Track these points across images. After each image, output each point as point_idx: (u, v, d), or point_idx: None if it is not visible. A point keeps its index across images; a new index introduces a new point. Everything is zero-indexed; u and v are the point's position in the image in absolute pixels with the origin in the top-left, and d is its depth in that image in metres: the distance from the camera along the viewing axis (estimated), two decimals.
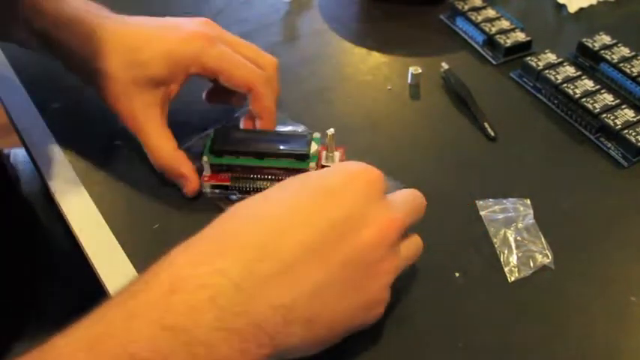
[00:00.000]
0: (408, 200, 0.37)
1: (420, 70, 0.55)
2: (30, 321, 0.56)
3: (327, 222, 0.33)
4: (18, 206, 0.63)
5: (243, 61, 0.45)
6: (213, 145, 0.45)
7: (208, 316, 0.29)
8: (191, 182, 0.45)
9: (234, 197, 0.45)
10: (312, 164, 0.44)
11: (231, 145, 0.45)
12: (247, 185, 0.45)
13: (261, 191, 0.43)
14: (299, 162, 0.44)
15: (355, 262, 0.33)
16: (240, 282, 0.30)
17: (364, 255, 0.33)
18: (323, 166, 0.45)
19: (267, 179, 0.45)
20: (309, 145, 0.44)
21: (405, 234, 0.37)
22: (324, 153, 0.45)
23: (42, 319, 0.56)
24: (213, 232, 0.33)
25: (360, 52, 0.60)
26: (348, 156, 0.48)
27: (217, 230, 0.33)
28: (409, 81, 0.56)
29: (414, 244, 0.38)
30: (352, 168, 0.36)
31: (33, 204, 0.65)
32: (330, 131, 0.44)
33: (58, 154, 0.49)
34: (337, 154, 0.45)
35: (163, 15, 0.55)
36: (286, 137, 0.46)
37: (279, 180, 0.44)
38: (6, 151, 0.70)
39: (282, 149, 0.44)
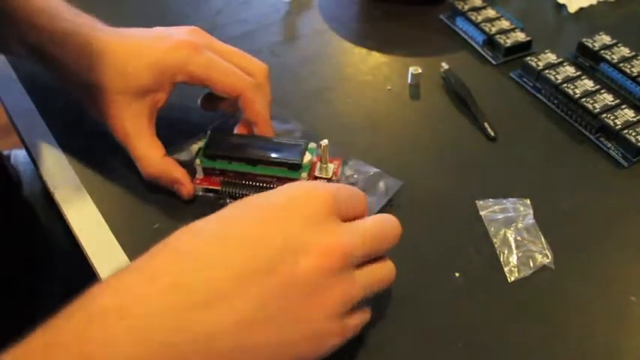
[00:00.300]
0: (372, 226, 0.35)
1: (420, 70, 0.55)
2: (30, 321, 0.56)
3: (259, 252, 0.31)
4: (18, 207, 0.63)
5: (231, 68, 0.45)
6: (207, 149, 0.45)
7: (125, 346, 0.28)
8: (185, 186, 0.45)
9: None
10: (304, 174, 0.44)
11: (225, 149, 0.45)
12: (238, 191, 0.44)
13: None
14: (291, 171, 0.44)
15: (292, 292, 0.31)
16: (160, 313, 0.29)
17: (303, 284, 0.31)
18: (316, 177, 0.45)
19: (259, 186, 0.44)
20: (302, 155, 0.44)
21: (370, 260, 0.35)
22: (318, 164, 0.45)
23: (42, 319, 0.56)
24: (140, 263, 0.32)
25: (360, 52, 0.60)
26: (348, 156, 0.48)
27: (145, 261, 0.32)
28: (409, 81, 0.56)
29: (383, 270, 0.36)
30: (293, 192, 0.34)
31: (33, 204, 0.65)
32: (324, 142, 0.43)
33: (58, 154, 0.49)
34: (331, 166, 0.45)
35: (163, 15, 0.54)
36: (281, 145, 0.45)
37: (271, 188, 0.44)
38: (6, 152, 0.70)
39: (275, 157, 0.44)
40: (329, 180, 0.44)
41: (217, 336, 0.30)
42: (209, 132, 0.46)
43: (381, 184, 0.46)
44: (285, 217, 0.33)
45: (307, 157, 0.44)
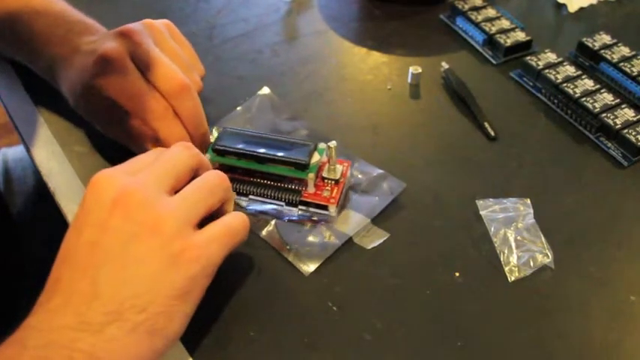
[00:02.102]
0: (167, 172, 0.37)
1: (420, 70, 0.55)
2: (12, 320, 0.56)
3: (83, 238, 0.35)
4: (12, 207, 0.63)
5: (138, 90, 0.43)
6: (216, 145, 0.45)
7: None
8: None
9: (240, 202, 0.45)
10: (312, 175, 0.44)
11: (234, 146, 0.45)
12: (245, 188, 0.44)
13: (259, 195, 0.44)
14: (298, 171, 0.44)
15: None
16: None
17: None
18: (323, 179, 0.45)
19: (266, 184, 0.44)
20: (310, 155, 0.44)
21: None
22: (326, 165, 0.45)
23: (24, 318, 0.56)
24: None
25: (360, 52, 0.60)
26: (355, 158, 0.48)
27: None
28: (409, 81, 0.56)
29: (230, 220, 0.37)
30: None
31: (29, 204, 0.65)
32: (332, 143, 0.43)
33: (58, 154, 0.49)
34: (340, 168, 0.45)
35: (163, 16, 0.54)
36: (290, 144, 0.45)
37: (278, 186, 0.44)
38: None
39: (283, 156, 0.44)
40: (336, 182, 0.44)
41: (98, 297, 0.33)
42: (220, 128, 0.46)
43: (385, 185, 0.46)
44: (85, 206, 0.36)
45: (315, 158, 0.44)
